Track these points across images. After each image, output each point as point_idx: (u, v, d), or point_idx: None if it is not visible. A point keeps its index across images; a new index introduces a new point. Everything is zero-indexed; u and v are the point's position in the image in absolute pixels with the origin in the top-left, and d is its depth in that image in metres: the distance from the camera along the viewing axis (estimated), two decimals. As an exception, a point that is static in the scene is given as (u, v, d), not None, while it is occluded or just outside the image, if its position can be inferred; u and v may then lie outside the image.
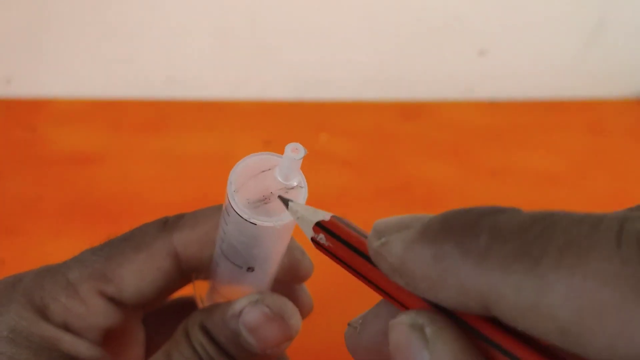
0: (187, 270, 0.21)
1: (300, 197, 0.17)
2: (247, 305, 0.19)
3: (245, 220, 0.17)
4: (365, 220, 0.52)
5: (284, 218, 0.17)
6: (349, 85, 0.60)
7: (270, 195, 0.17)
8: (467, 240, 0.11)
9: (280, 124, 0.56)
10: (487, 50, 0.59)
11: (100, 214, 0.46)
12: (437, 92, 0.61)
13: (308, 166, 0.62)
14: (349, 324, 0.16)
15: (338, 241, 0.15)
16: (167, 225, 0.21)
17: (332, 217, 0.15)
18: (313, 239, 0.15)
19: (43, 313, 0.19)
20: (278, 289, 0.22)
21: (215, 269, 0.21)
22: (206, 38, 0.55)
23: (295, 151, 0.16)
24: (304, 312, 0.23)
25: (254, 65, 0.57)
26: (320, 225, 0.15)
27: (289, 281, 0.23)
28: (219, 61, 0.57)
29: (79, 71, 0.56)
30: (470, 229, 0.11)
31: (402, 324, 0.13)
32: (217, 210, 0.21)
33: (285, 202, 0.16)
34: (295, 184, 0.17)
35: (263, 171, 0.17)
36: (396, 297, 0.14)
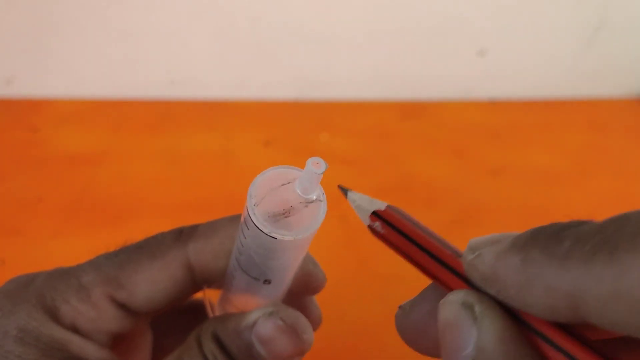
0: (200, 281, 0.21)
1: (320, 211, 0.17)
2: (261, 316, 0.19)
3: (266, 234, 0.17)
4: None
5: (304, 231, 0.17)
6: (350, 85, 0.60)
7: (291, 209, 0.17)
8: (551, 245, 0.12)
9: (280, 124, 0.56)
10: (486, 50, 0.59)
11: (101, 214, 0.46)
12: (437, 91, 0.61)
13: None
14: (399, 307, 0.17)
15: (392, 229, 0.16)
16: (183, 235, 0.21)
17: (388, 207, 0.17)
18: (370, 227, 0.17)
19: (53, 314, 0.19)
20: (287, 301, 0.22)
21: (230, 281, 0.21)
22: (207, 38, 0.55)
23: (316, 165, 0.16)
24: (314, 325, 0.23)
25: (254, 65, 0.57)
26: (376, 214, 0.17)
27: (300, 293, 0.23)
28: (219, 61, 0.57)
29: (80, 71, 0.56)
30: (555, 237, 0.13)
31: (454, 302, 0.14)
32: (231, 221, 0.21)
33: (345, 191, 0.17)
34: (314, 197, 0.17)
35: (283, 184, 0.17)
36: (445, 282, 0.15)
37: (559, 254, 0.12)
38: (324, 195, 0.17)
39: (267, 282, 0.19)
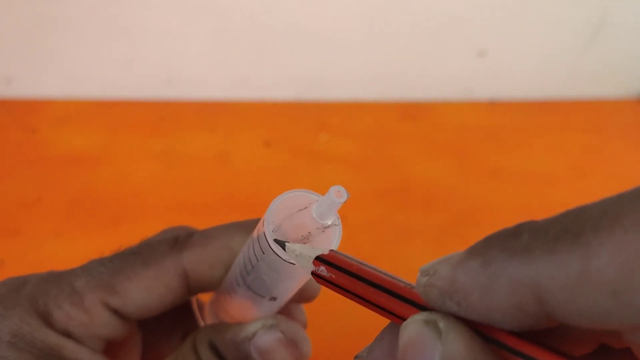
0: (194, 289, 0.21)
1: (335, 235, 0.17)
2: (260, 328, 0.19)
3: (285, 260, 0.17)
4: (365, 220, 0.52)
5: None
6: (349, 86, 0.60)
7: (308, 235, 0.17)
8: (510, 242, 0.12)
9: (280, 125, 0.56)
10: (486, 50, 0.59)
11: (100, 215, 0.46)
12: (436, 92, 0.61)
13: (308, 166, 0.62)
14: (356, 357, 0.16)
15: (339, 271, 0.16)
16: (178, 243, 0.21)
17: (331, 250, 0.16)
18: (314, 273, 0.16)
19: (46, 319, 0.19)
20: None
21: (229, 293, 0.21)
22: (206, 38, 0.55)
23: (338, 194, 0.16)
24: None
25: (254, 65, 0.57)
26: (320, 259, 0.16)
27: (293, 301, 0.23)
28: (219, 61, 0.57)
29: (79, 72, 0.56)
30: (511, 235, 0.13)
31: (416, 321, 0.13)
32: (226, 230, 0.21)
33: (282, 244, 0.17)
34: (330, 222, 0.17)
35: (300, 210, 0.17)
36: (403, 315, 0.14)
37: (520, 248, 0.12)
38: (339, 219, 0.17)
39: (272, 299, 0.19)
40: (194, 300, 0.25)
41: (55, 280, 0.20)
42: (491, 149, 0.56)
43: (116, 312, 0.20)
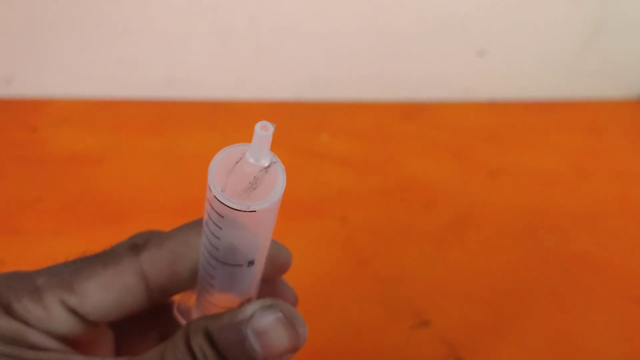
0: (156, 290, 0.22)
1: (279, 171, 0.18)
2: (258, 309, 0.19)
3: (244, 211, 0.17)
4: (365, 220, 0.52)
5: (275, 194, 0.17)
6: (349, 86, 0.60)
7: (255, 180, 0.17)
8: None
9: (280, 125, 0.56)
10: (486, 50, 0.59)
11: (100, 214, 0.46)
12: (436, 92, 0.61)
13: (308, 166, 0.62)
14: None
15: None
16: (137, 247, 0.22)
17: None
18: None
19: (7, 310, 0.20)
20: (261, 288, 0.22)
21: (209, 282, 0.21)
22: (206, 38, 0.55)
23: (264, 128, 0.17)
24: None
25: (254, 65, 0.57)
26: None
27: (270, 275, 0.23)
28: (219, 61, 0.57)
29: (79, 71, 0.56)
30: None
31: None
32: (181, 228, 0.22)
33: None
34: (267, 163, 0.18)
35: (237, 162, 0.18)
36: None
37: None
38: (276, 156, 0.18)
39: (250, 263, 0.20)
40: (174, 305, 0.25)
41: (20, 277, 0.21)
42: (491, 149, 0.56)
43: (74, 312, 0.21)
